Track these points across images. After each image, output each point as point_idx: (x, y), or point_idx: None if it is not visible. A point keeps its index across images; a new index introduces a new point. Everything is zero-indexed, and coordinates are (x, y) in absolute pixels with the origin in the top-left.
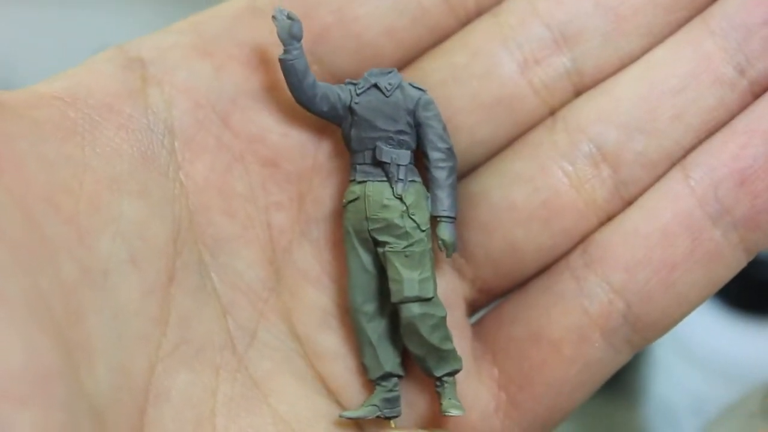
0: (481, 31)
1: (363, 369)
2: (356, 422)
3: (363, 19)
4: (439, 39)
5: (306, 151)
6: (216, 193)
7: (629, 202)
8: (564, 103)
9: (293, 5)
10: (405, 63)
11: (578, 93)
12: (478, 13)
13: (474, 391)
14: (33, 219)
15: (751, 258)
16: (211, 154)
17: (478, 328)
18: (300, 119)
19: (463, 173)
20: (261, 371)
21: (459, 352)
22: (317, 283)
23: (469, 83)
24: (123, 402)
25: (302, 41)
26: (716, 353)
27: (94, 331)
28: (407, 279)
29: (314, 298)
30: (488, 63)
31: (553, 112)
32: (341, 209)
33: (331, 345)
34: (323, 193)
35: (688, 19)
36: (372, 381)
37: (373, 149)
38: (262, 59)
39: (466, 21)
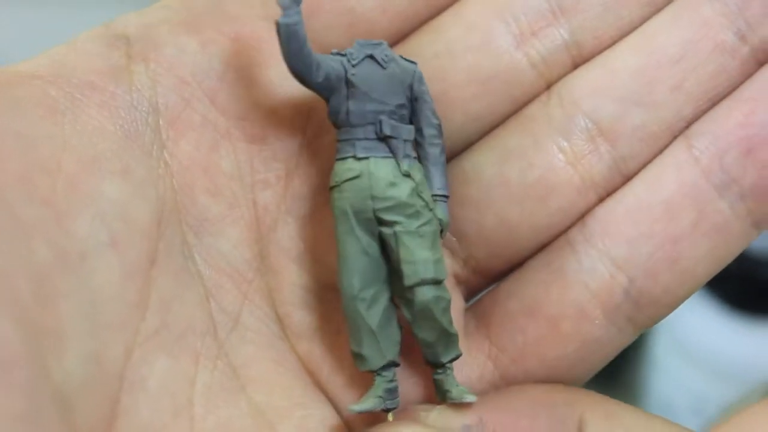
0: (475, 3)
1: (358, 360)
2: (332, 410)
3: None
4: (433, 13)
5: (294, 128)
6: (201, 172)
7: (629, 178)
8: (562, 77)
9: None
10: (399, 37)
11: (577, 66)
12: None
13: (460, 360)
14: (5, 199)
15: (761, 232)
16: (196, 132)
17: (474, 306)
18: (288, 96)
19: (458, 150)
20: (241, 357)
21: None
22: (300, 261)
23: (463, 57)
24: (94, 390)
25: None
26: (716, 353)
27: (68, 317)
28: (423, 260)
29: (296, 276)
30: (483, 36)
31: (550, 86)
32: (327, 186)
33: (312, 324)
34: (310, 171)
35: None
36: (372, 372)
37: (375, 123)
38: (251, 35)
39: None
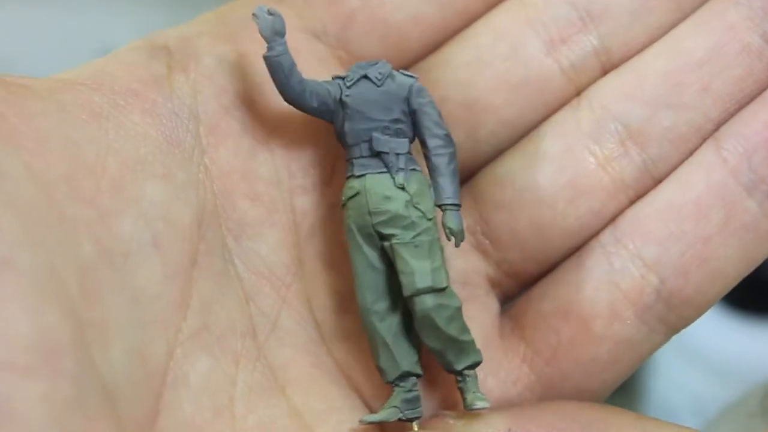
0: (505, 12)
1: (379, 372)
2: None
3: (389, 3)
4: (465, 23)
5: (330, 135)
6: (240, 178)
7: (660, 181)
8: (592, 83)
9: None
10: (432, 48)
11: (606, 71)
12: None
13: (496, 363)
14: (52, 197)
15: None
16: (235, 138)
17: (509, 309)
18: None
19: (491, 156)
20: (280, 359)
21: (481, 326)
22: (335, 266)
23: (494, 64)
24: (138, 383)
25: (286, 37)
26: (716, 353)
27: (112, 312)
28: (419, 270)
29: (333, 281)
30: (513, 43)
31: (580, 92)
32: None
33: (348, 329)
34: (344, 177)
35: None
36: (390, 383)
37: (369, 140)
38: (287, 44)
39: (492, 5)
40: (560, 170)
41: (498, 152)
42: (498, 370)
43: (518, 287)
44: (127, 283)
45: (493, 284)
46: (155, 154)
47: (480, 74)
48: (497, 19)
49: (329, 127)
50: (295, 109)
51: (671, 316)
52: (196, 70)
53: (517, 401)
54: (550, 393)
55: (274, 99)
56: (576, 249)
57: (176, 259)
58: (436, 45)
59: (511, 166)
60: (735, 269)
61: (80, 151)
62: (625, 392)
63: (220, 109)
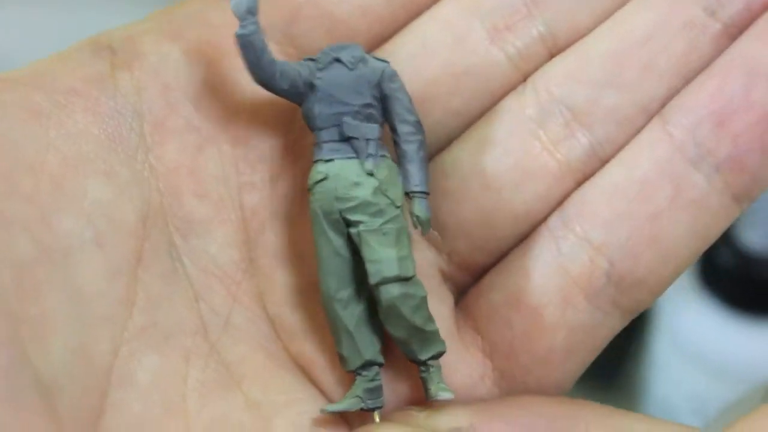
0: (451, 2)
1: (340, 360)
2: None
3: None
4: (412, 15)
5: (278, 130)
6: (187, 175)
7: (607, 162)
8: (539, 69)
9: None
10: (379, 41)
11: (553, 57)
12: None
13: (459, 358)
14: None
15: (742, 208)
16: (181, 135)
17: (461, 302)
18: (271, 99)
19: (439, 146)
20: (234, 356)
21: (440, 319)
22: (288, 262)
23: (438, 54)
24: (80, 381)
25: (258, 16)
26: (716, 353)
27: (50, 309)
28: (386, 258)
29: (286, 277)
30: (457, 32)
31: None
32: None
33: (304, 323)
34: (296, 172)
35: None
36: (352, 372)
37: (339, 125)
38: (231, 41)
39: None
40: (505, 155)
41: (446, 142)
42: (459, 364)
43: (471, 279)
44: (67, 281)
45: (446, 277)
46: (97, 152)
47: (425, 65)
48: (443, 9)
49: (277, 121)
50: (240, 105)
51: (624, 299)
52: (140, 68)
53: (485, 397)
54: (514, 387)
55: (219, 95)
56: (524, 236)
57: (120, 257)
58: (384, 38)
59: (456, 154)
60: (687, 247)
61: (19, 149)
62: (625, 392)
63: (165, 107)
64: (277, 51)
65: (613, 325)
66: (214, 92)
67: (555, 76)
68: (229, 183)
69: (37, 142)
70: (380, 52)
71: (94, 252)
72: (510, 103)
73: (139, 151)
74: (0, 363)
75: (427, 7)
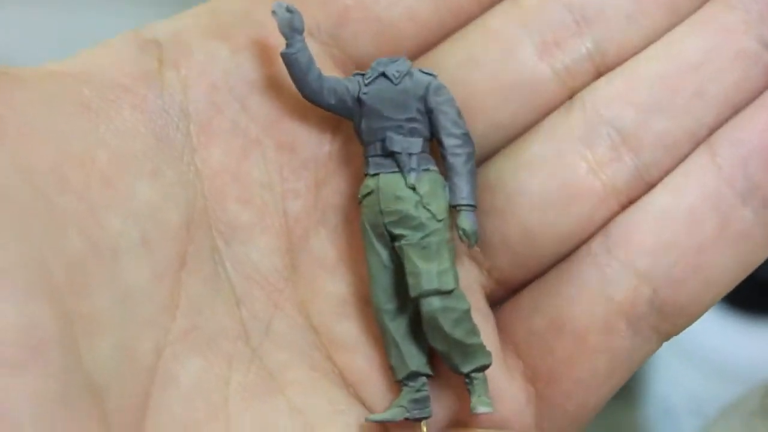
0: (500, 14)
1: (391, 370)
2: (383, 424)
3: (383, 0)
4: (461, 23)
5: (323, 137)
6: (231, 179)
7: (653, 186)
8: (586, 86)
9: None
10: (426, 47)
11: (600, 75)
12: None
13: (503, 383)
14: (39, 188)
15: None
16: (227, 138)
17: (496, 319)
18: None
19: (482, 159)
20: (276, 363)
21: (484, 336)
22: (334, 271)
23: (486, 66)
24: (126, 381)
25: (304, 33)
26: (716, 353)
27: (100, 307)
28: (425, 271)
29: (330, 287)
30: (506, 46)
31: (573, 96)
32: (357, 197)
33: (349, 335)
34: (340, 180)
35: None
36: (399, 382)
37: (383, 140)
38: (280, 41)
39: (488, 6)
40: (552, 175)
41: (488, 155)
42: (507, 389)
43: (505, 294)
44: (116, 280)
45: (484, 292)
46: (145, 151)
47: (471, 76)
48: (492, 20)
49: (322, 127)
50: (286, 109)
51: (664, 325)
52: (187, 66)
53: (532, 421)
54: (553, 413)
55: (265, 97)
56: (565, 255)
57: (165, 260)
58: (430, 44)
59: (501, 170)
60: (729, 277)
61: (69, 143)
62: (625, 392)
63: (212, 107)
64: (322, 52)
65: (650, 349)
66: (260, 94)
67: (604, 96)
68: (273, 189)
69: (87, 137)
70: (427, 61)
71: (140, 253)
72: (557, 121)
73: (185, 152)
74: (54, 363)
75: (476, 16)
